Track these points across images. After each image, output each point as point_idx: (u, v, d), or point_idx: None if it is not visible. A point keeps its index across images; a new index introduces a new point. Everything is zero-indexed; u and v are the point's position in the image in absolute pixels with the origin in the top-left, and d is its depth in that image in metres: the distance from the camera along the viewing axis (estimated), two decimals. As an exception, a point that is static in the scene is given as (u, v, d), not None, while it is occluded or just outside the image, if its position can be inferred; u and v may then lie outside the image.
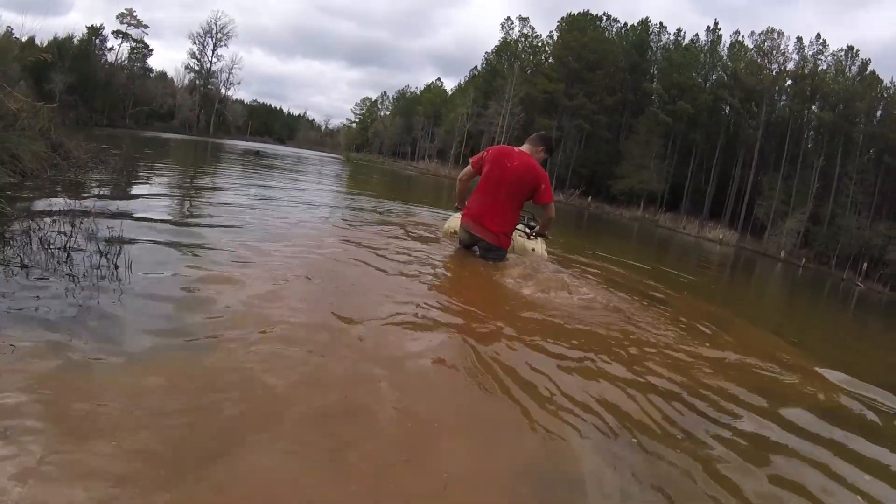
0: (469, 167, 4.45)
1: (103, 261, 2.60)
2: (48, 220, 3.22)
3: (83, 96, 40.24)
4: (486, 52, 61.14)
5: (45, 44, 32.59)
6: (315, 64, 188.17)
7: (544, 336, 2.78)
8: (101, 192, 5.23)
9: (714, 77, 48.92)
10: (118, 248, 2.76)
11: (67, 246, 2.74)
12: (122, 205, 4.60)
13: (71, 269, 2.45)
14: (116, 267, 2.55)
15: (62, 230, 2.97)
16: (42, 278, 2.31)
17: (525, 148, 4.36)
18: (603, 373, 2.46)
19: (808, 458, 2.04)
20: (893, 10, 74.61)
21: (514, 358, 2.41)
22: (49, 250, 2.65)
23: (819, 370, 3.41)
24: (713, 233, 37.50)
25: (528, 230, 4.89)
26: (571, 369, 2.42)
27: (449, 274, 4.02)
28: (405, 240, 4.94)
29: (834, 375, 3.32)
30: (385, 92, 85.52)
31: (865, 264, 33.03)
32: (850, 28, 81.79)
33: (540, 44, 55.69)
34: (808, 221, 38.90)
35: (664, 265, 10.95)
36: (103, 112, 43.21)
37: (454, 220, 4.86)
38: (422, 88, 73.86)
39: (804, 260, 35.02)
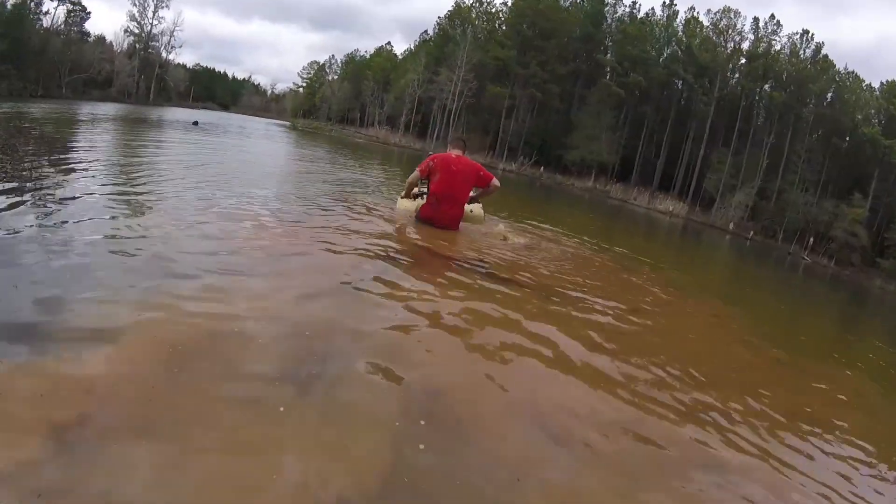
0: (417, 173, 5.30)
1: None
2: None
3: (16, 65, 35.95)
4: (438, 17, 58.80)
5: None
6: (273, 26, 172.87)
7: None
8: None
9: (668, 51, 48.25)
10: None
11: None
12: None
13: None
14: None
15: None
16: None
17: (456, 152, 5.43)
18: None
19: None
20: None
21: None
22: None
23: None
24: (663, 204, 37.13)
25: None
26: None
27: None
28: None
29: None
30: (333, 55, 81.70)
31: (812, 239, 33.35)
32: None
33: (494, 10, 53.75)
34: (755, 196, 39.16)
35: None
36: (38, 81, 38.95)
37: (406, 203, 5.74)
38: (371, 53, 70.78)
39: (752, 233, 35.55)
